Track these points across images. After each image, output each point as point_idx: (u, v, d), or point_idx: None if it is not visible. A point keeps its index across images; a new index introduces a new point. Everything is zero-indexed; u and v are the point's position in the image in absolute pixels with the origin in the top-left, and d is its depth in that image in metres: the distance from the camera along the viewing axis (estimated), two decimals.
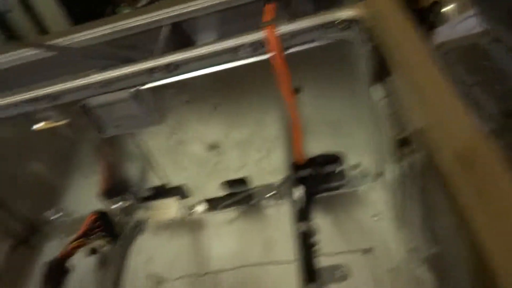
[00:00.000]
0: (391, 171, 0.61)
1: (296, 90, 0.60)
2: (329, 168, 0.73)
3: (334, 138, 0.69)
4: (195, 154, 0.70)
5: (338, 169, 0.73)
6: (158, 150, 0.71)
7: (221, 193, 0.77)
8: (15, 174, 0.75)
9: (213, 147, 0.69)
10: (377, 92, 0.55)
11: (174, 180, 0.76)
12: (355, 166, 0.72)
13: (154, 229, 0.81)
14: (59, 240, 0.85)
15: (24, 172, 0.75)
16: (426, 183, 0.49)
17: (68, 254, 0.71)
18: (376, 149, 0.69)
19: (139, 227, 0.81)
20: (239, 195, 0.77)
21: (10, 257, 0.81)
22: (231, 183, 0.76)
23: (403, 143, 0.51)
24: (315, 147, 0.69)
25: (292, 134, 0.63)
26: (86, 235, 0.75)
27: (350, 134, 0.68)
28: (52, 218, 0.84)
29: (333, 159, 0.72)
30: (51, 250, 0.78)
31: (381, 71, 0.53)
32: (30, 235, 0.85)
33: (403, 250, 0.63)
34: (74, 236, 0.74)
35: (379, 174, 0.73)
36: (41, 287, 0.67)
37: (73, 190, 0.79)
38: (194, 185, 0.76)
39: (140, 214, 0.83)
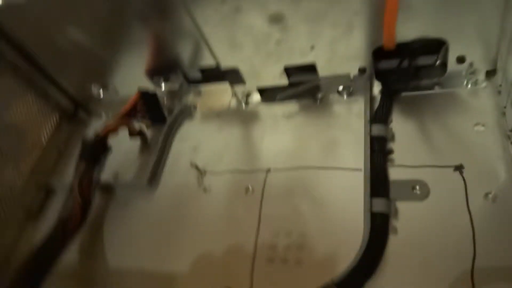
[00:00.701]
0: None
1: None
2: (425, 60, 0.56)
3: (436, 19, 0.51)
4: (254, 27, 0.56)
5: (438, 61, 0.55)
6: (211, 21, 0.58)
7: (281, 81, 0.65)
8: (58, 43, 0.67)
9: (277, 19, 0.55)
10: None
11: (228, 60, 0.64)
12: (460, 59, 0.55)
13: (203, 116, 0.72)
14: (105, 118, 0.79)
15: (68, 41, 0.67)
16: None
17: (109, 132, 0.65)
18: (496, 37, 0.51)
19: (187, 112, 0.73)
20: (303, 85, 0.63)
21: (55, 131, 0.78)
22: (295, 70, 0.62)
23: None
24: (409, 28, 0.52)
25: (385, 6, 0.47)
26: (130, 114, 0.68)
27: (460, 14, 0.49)
28: (99, 94, 0.77)
29: (433, 47, 0.54)
30: (96, 127, 0.72)
31: None
32: (76, 111, 0.81)
33: (510, 173, 0.48)
34: (117, 114, 0.67)
35: (492, 73, 0.55)
36: (79, 161, 0.62)
37: (121, 65, 0.71)
38: (250, 68, 0.64)
39: (189, 99, 0.73)
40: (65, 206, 0.62)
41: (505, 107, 0.51)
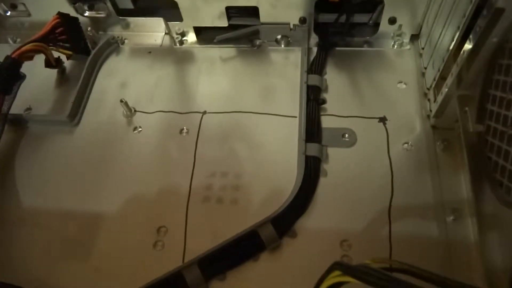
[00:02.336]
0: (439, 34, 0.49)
1: None
2: (360, 18, 0.59)
3: None
4: None
5: (371, 20, 0.59)
6: None
7: (221, 22, 0.63)
8: None
9: None
10: None
11: None
12: (392, 21, 0.59)
13: (132, 52, 0.67)
14: (13, 44, 0.69)
15: None
16: None
17: (24, 55, 0.57)
18: (424, 4, 0.56)
19: (114, 45, 0.67)
20: (243, 30, 0.63)
21: None
22: (237, 11, 0.61)
23: None
24: None
25: None
26: (48, 39, 0.60)
27: None
28: (6, 13, 0.67)
29: (370, 6, 0.57)
30: (2, 52, 0.63)
31: None
32: None
33: (424, 126, 0.54)
34: (33, 37, 0.59)
35: (416, 37, 0.61)
36: None
37: None
38: (190, 4, 0.61)
39: (117, 30, 0.68)
40: None
41: (425, 68, 0.57)
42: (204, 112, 0.59)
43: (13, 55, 0.56)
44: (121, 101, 0.59)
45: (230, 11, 0.61)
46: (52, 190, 0.55)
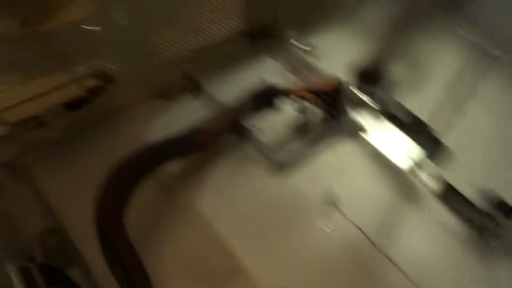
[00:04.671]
0: None
1: None
2: None
3: None
4: None
5: None
6: None
7: None
8: None
9: None
10: None
11: None
12: None
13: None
14: (284, 71, 0.73)
15: None
16: None
17: (289, 94, 0.62)
18: None
19: (355, 130, 0.66)
20: None
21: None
22: None
23: None
24: None
25: None
26: (316, 94, 0.63)
27: None
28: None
29: None
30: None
31: None
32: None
33: None
34: (308, 85, 0.65)
35: None
36: (250, 100, 0.60)
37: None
38: None
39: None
40: (209, 121, 0.57)
41: None
42: None
43: (285, 90, 0.61)
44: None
45: None
46: None
